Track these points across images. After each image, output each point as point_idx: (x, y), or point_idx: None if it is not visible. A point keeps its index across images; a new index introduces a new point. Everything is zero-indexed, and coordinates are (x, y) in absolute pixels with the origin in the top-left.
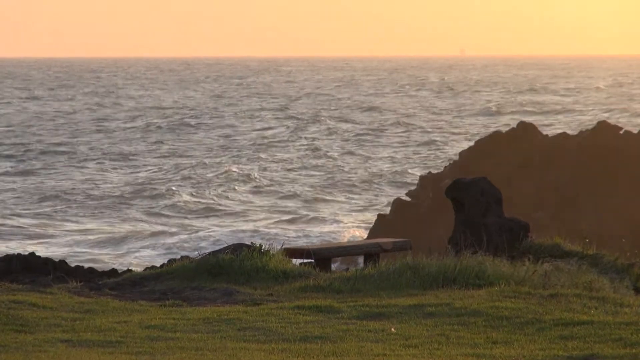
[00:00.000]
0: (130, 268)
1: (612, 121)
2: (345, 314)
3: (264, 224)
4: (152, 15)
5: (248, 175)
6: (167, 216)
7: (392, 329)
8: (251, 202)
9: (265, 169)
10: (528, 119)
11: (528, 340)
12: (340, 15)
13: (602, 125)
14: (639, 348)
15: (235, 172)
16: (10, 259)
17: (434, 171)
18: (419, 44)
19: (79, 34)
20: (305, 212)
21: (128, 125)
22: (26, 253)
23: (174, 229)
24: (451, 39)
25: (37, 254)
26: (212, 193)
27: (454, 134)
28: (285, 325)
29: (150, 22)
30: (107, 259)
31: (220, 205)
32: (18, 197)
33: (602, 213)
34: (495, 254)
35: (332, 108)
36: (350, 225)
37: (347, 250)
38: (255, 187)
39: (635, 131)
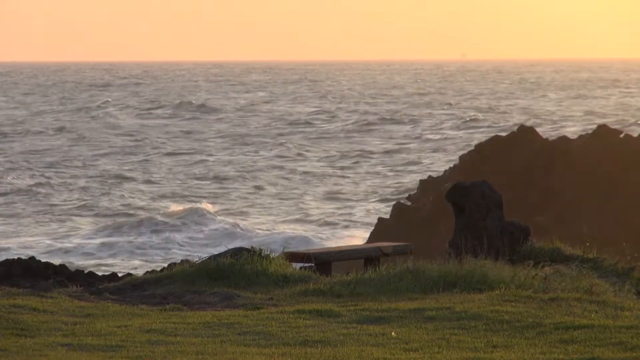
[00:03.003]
0: (130, 272)
1: None
2: (346, 318)
3: None
4: (142, 19)
5: None
6: None
7: (393, 333)
8: None
9: None
10: None
11: (528, 344)
12: (338, 18)
13: (603, 129)
14: (639, 351)
15: None
16: (10, 263)
17: (434, 175)
18: (420, 48)
19: (70, 37)
20: None
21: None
22: (26, 257)
23: None
24: (452, 43)
25: (37, 258)
26: None
27: None
28: (286, 330)
29: (138, 26)
30: None
31: None
32: None
33: (603, 217)
34: (495, 258)
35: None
36: None
37: (348, 255)
38: None
39: (635, 135)
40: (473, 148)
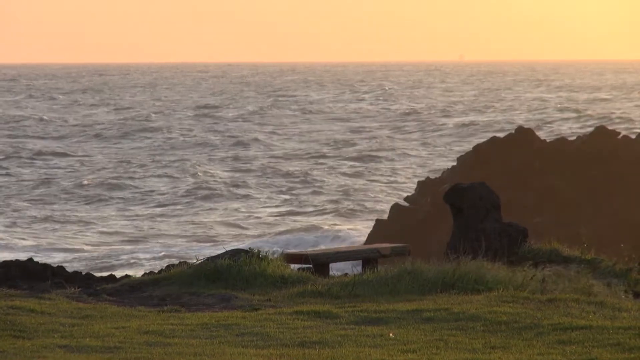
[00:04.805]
0: (128, 274)
1: None
2: (344, 319)
3: None
4: (147, 20)
5: None
6: None
7: (391, 334)
8: None
9: None
10: None
11: (526, 345)
12: (336, 19)
13: (600, 130)
14: (637, 352)
15: None
16: (8, 264)
17: (432, 176)
18: (418, 49)
19: (66, 39)
20: None
21: None
22: (24, 259)
23: None
24: (450, 44)
25: (35, 259)
26: None
27: None
28: (284, 331)
29: (145, 28)
30: None
31: None
32: None
33: (601, 218)
34: (493, 259)
35: None
36: None
37: (346, 256)
38: None
39: (633, 136)
40: (471, 149)
